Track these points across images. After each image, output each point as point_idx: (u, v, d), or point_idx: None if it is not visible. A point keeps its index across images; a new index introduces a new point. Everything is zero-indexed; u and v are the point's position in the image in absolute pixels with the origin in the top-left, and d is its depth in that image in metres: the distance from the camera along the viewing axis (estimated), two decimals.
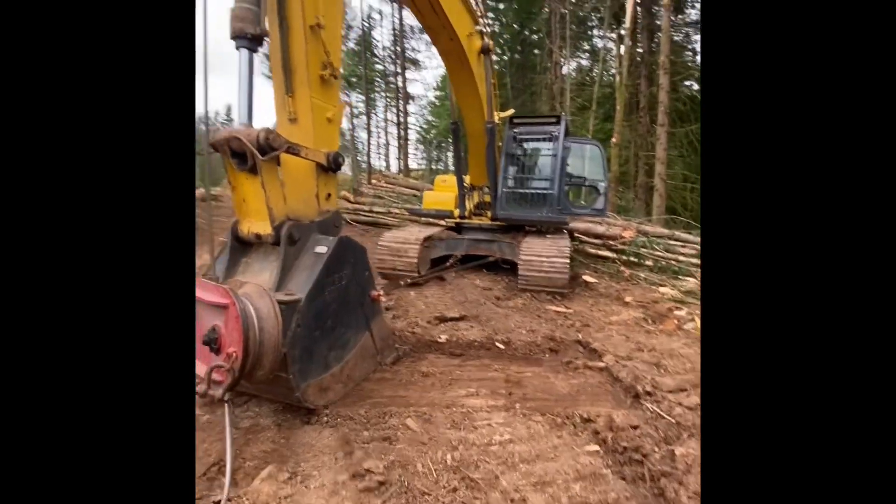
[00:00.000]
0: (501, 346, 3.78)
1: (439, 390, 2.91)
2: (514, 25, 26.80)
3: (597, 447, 2.27)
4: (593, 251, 8.68)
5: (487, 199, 7.13)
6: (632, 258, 7.95)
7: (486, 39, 5.67)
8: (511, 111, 7.10)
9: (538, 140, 6.64)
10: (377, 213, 12.70)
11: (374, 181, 21.90)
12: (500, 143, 6.76)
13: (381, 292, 3.14)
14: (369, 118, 44.91)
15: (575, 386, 3.03)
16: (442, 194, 7.68)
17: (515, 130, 6.49)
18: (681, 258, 7.85)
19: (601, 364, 3.32)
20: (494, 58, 26.40)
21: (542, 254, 5.59)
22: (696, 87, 18.09)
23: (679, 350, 3.89)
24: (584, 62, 22.37)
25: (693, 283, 6.57)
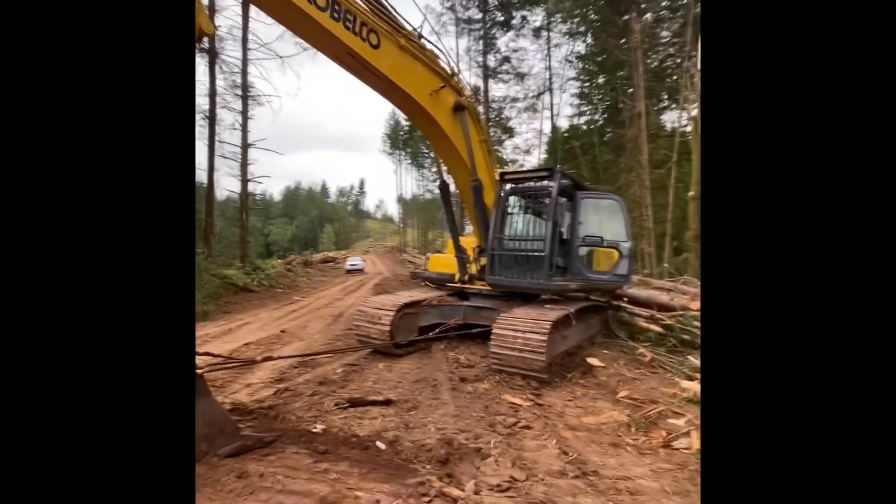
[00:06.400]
0: (382, 447, 3.03)
1: None
2: (608, 86, 26.00)
3: None
4: (644, 325, 7.13)
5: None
6: (684, 336, 6.27)
7: (461, 96, 5.37)
8: (514, 167, 6.48)
9: (531, 197, 5.85)
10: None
11: None
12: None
13: (202, 369, 2.78)
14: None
15: None
16: (450, 257, 7.19)
17: (507, 187, 5.83)
18: None
19: (457, 493, 2.39)
20: (587, 118, 25.25)
21: (517, 328, 4.65)
22: None
23: (634, 480, 2.69)
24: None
25: None
